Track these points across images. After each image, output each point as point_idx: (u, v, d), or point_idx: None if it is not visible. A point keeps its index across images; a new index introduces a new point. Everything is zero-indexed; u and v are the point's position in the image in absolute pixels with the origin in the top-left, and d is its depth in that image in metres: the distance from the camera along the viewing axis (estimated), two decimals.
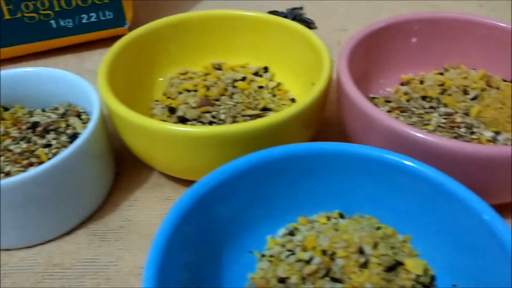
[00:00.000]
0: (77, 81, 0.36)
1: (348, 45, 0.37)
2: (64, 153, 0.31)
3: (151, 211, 0.35)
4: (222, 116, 0.37)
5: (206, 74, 0.43)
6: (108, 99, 0.33)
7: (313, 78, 0.39)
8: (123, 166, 0.38)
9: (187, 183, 0.37)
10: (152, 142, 0.32)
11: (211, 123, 0.37)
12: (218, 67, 0.44)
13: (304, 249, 0.28)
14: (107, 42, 0.54)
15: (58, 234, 0.33)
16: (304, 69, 0.40)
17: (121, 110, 0.32)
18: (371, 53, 0.39)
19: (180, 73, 0.43)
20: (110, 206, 0.35)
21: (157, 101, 0.41)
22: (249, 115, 0.38)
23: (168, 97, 0.41)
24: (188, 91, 0.41)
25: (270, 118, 0.31)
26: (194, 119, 0.37)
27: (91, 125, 0.32)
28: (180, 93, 0.41)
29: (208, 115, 0.38)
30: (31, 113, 0.38)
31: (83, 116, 0.36)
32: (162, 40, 0.42)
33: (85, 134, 0.32)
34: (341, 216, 0.29)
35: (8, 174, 0.32)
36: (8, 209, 0.30)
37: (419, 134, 0.29)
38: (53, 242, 0.33)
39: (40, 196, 0.31)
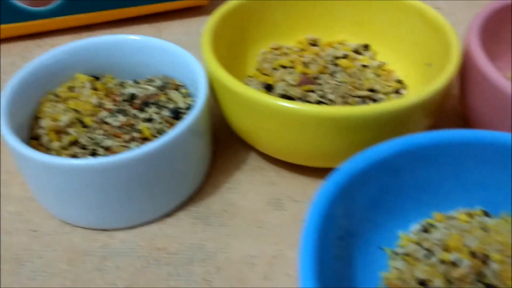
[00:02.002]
0: (179, 53, 0.33)
1: (476, 22, 0.33)
2: (175, 131, 0.28)
3: (254, 195, 0.32)
4: (331, 96, 0.34)
5: (302, 50, 0.40)
6: (217, 71, 0.30)
7: (430, 58, 0.35)
8: (218, 145, 0.36)
9: (290, 166, 0.34)
10: (265, 119, 0.30)
11: (319, 103, 0.34)
12: (314, 43, 0.41)
13: (446, 249, 0.25)
14: (185, 13, 0.51)
15: (159, 216, 0.31)
16: (416, 48, 0.37)
17: (234, 83, 0.29)
18: (495, 33, 0.35)
19: (273, 48, 0.40)
20: (210, 188, 0.33)
21: (250, 77, 0.38)
22: (359, 96, 0.34)
23: (263, 73, 0.38)
24: (284, 67, 0.38)
25: (404, 101, 0.28)
26: (299, 98, 0.34)
27: (200, 101, 0.30)
28: (275, 69, 0.38)
29: (313, 94, 0.35)
30: (122, 84, 0.36)
31: (182, 90, 0.34)
32: (259, 11, 0.39)
33: (195, 111, 0.29)
34: (486, 214, 0.26)
35: (108, 149, 0.30)
36: (112, 187, 0.28)
37: None
38: (153, 224, 0.31)
39: (145, 175, 0.28)
